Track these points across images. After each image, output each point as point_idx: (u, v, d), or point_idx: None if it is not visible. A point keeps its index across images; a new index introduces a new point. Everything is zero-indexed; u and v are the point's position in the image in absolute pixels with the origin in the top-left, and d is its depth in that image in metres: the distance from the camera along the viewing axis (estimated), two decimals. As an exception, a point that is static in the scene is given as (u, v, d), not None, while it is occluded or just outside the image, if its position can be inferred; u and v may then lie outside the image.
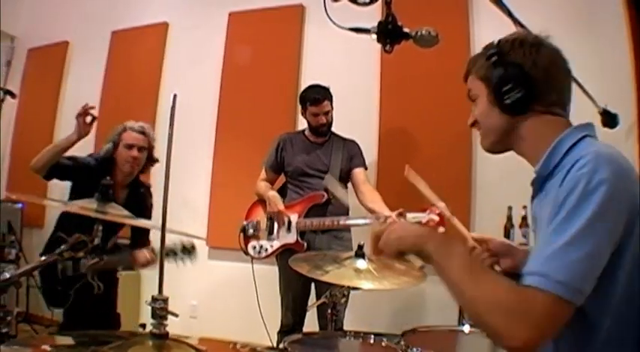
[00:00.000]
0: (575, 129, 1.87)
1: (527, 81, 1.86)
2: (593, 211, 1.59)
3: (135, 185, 4.74)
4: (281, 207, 4.88)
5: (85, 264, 4.23)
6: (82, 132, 4.33)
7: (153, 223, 3.40)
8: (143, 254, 4.50)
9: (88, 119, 4.34)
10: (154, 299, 1.76)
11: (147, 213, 4.66)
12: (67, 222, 4.53)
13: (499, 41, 1.97)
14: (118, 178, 4.54)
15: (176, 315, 1.80)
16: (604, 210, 1.60)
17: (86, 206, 2.34)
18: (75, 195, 4.53)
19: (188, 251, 4.49)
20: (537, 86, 1.87)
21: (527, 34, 2.00)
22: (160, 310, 1.75)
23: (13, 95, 5.00)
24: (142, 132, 4.64)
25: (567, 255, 1.58)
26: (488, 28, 5.26)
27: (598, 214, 1.59)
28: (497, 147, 2.03)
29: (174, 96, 1.85)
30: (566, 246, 1.58)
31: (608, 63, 4.68)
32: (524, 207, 4.85)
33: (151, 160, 4.73)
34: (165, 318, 1.76)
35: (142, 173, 4.78)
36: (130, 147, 4.55)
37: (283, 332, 4.80)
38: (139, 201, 4.64)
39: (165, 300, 1.77)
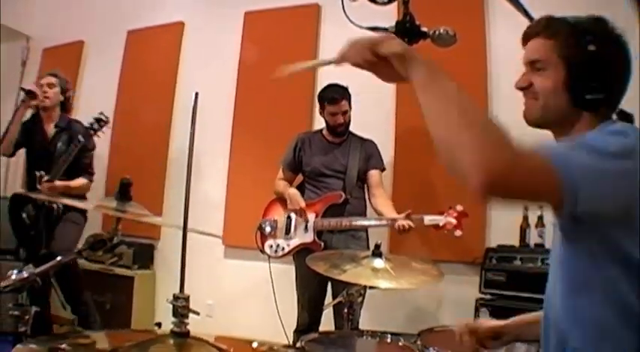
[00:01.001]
0: (602, 126, 1.82)
1: (612, 82, 1.82)
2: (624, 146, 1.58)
3: (63, 121, 5.53)
4: (302, 204, 4.89)
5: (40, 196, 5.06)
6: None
7: (172, 222, 3.42)
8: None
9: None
10: (176, 298, 1.76)
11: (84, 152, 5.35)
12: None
13: (593, 26, 1.87)
14: (45, 119, 5.47)
15: (197, 313, 1.80)
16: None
17: (105, 204, 2.35)
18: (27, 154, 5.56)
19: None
20: (617, 89, 1.84)
21: (618, 29, 1.88)
22: (182, 308, 1.75)
23: (33, 95, 5.12)
24: (52, 74, 5.51)
25: (585, 157, 1.53)
26: (503, 28, 5.24)
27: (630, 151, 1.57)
28: (544, 123, 1.94)
29: (196, 94, 1.85)
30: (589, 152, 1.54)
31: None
32: (541, 207, 4.83)
33: (65, 97, 5.60)
34: (187, 317, 1.76)
35: (66, 110, 5.63)
36: (41, 86, 5.42)
37: (299, 332, 4.78)
38: (69, 132, 5.37)
39: (187, 298, 1.77)
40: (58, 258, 2.19)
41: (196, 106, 1.85)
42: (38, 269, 2.06)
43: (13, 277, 1.98)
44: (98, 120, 5.09)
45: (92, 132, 5.07)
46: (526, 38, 1.98)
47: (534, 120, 1.95)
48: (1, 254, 6.20)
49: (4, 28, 7.81)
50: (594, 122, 1.84)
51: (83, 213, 5.45)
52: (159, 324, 5.68)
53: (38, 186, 5.07)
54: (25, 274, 2.00)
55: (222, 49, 6.81)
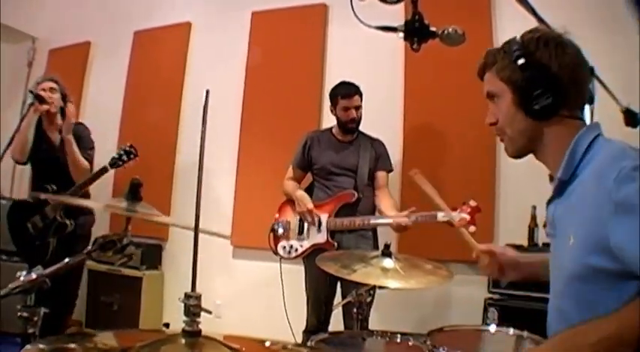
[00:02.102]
0: (587, 130, 1.87)
1: (555, 85, 1.84)
2: None
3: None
4: (310, 205, 4.87)
5: (49, 209, 4.98)
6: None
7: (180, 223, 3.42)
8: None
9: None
10: (187, 296, 1.75)
11: (86, 147, 5.25)
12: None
13: (522, 39, 1.93)
14: (47, 127, 5.23)
15: (209, 312, 1.79)
16: None
17: (115, 204, 2.34)
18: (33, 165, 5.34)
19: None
20: (565, 90, 1.85)
21: (550, 32, 1.96)
22: (194, 307, 1.74)
23: (42, 101, 5.01)
24: (51, 79, 5.31)
25: None
26: (511, 26, 5.22)
27: None
28: (523, 151, 2.01)
29: (207, 92, 1.85)
30: None
31: (631, 60, 4.63)
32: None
33: (64, 103, 5.27)
34: (199, 315, 1.76)
35: (64, 117, 5.24)
36: (43, 91, 5.14)
37: (309, 332, 4.79)
38: (76, 139, 5.12)
39: (199, 297, 1.76)
40: (66, 260, 2.18)
41: (207, 104, 1.84)
42: (47, 271, 2.05)
43: (22, 278, 1.97)
44: (128, 153, 4.95)
45: (119, 163, 4.91)
46: (480, 75, 2.07)
47: (513, 154, 2.04)
48: (3, 255, 6.22)
49: (9, 30, 7.82)
50: (565, 129, 1.89)
51: (90, 228, 5.37)
52: (167, 325, 5.71)
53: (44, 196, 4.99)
54: (33, 275, 1.99)
55: (230, 50, 6.81)
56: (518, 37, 1.96)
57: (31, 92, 5.08)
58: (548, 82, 1.83)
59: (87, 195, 5.28)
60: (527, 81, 1.85)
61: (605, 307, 1.66)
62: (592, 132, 1.86)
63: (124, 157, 4.93)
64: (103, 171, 4.93)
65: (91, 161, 5.24)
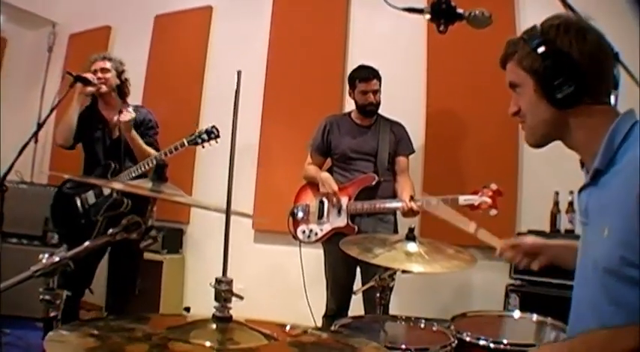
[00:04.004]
0: (624, 118, 1.83)
1: (577, 73, 1.81)
2: None
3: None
4: (335, 187, 4.86)
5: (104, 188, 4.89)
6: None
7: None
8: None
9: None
10: (219, 281, 1.75)
11: (148, 130, 5.20)
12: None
13: (542, 27, 1.91)
14: (102, 107, 5.16)
15: (241, 298, 1.79)
16: None
17: (141, 185, 2.34)
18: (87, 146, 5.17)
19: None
20: (587, 77, 1.82)
21: (571, 18, 1.94)
22: (225, 292, 1.74)
23: (87, 82, 4.91)
24: (104, 58, 5.17)
25: None
26: (533, 9, 5.21)
27: None
28: (543, 141, 1.99)
29: (239, 73, 1.83)
30: None
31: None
32: (571, 193, 4.80)
33: (121, 80, 5.22)
34: (230, 301, 1.75)
35: (123, 97, 5.27)
36: (94, 72, 5.03)
37: (328, 317, 4.81)
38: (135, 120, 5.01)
39: (230, 282, 1.75)
40: (87, 243, 2.16)
41: (239, 86, 1.83)
42: (70, 253, 2.04)
43: (44, 261, 1.96)
44: (209, 133, 4.87)
45: (198, 141, 4.85)
46: (502, 66, 2.05)
47: (533, 144, 2.02)
48: (28, 239, 6.23)
49: (29, 15, 7.84)
50: (591, 116, 1.87)
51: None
52: (188, 309, 5.71)
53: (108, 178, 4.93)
54: (56, 258, 1.98)
55: (252, 33, 6.80)
56: (538, 25, 1.93)
57: (70, 73, 4.94)
58: (569, 70, 1.81)
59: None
60: (548, 69, 1.83)
61: (633, 304, 1.65)
62: (629, 119, 1.82)
63: (204, 136, 4.87)
64: (180, 146, 4.85)
65: (154, 143, 5.19)
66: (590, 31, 1.86)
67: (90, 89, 4.94)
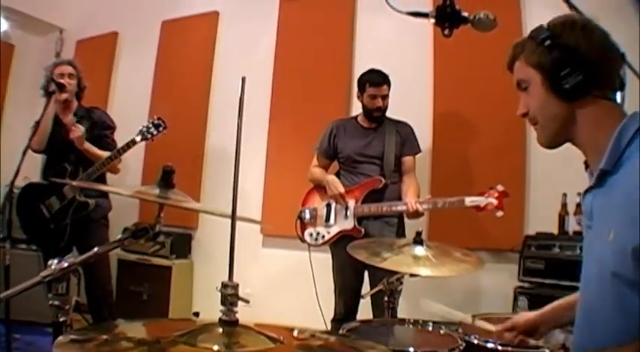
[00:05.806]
0: (631, 120, 1.81)
1: (584, 63, 1.80)
2: None
3: (81, 110, 5.34)
4: (341, 189, 4.85)
5: (67, 189, 5.00)
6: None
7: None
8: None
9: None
10: (225, 285, 1.75)
11: (104, 131, 5.37)
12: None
13: (548, 25, 1.90)
14: (60, 111, 5.24)
15: (247, 301, 1.79)
16: None
17: (147, 192, 2.34)
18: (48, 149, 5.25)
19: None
20: (595, 69, 1.81)
21: (576, 17, 1.95)
22: (231, 296, 1.74)
23: (63, 89, 5.05)
24: (69, 63, 5.34)
25: None
26: (539, 12, 5.19)
27: None
28: (555, 139, 1.96)
29: (243, 79, 1.84)
30: None
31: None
32: (579, 194, 4.77)
33: (80, 87, 5.37)
34: (236, 305, 1.75)
35: (79, 100, 5.39)
36: (61, 76, 5.18)
37: (337, 320, 4.80)
38: (90, 121, 5.25)
39: (236, 286, 1.76)
40: (96, 249, 2.17)
41: (243, 92, 1.84)
42: (79, 259, 2.05)
43: (54, 267, 1.97)
44: (157, 126, 5.00)
45: (147, 136, 4.95)
46: (510, 68, 2.03)
47: (545, 143, 2.00)
48: (14, 243, 6.25)
49: (37, 21, 7.87)
50: (600, 111, 1.86)
51: (107, 214, 5.38)
52: (197, 314, 5.72)
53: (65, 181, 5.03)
54: (65, 264, 1.99)
55: (258, 39, 6.81)
56: (544, 24, 1.93)
57: (53, 80, 5.08)
58: (576, 60, 1.80)
59: (103, 179, 5.30)
60: (555, 61, 1.82)
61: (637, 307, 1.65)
62: (635, 122, 1.81)
63: (152, 130, 4.98)
64: (131, 143, 4.95)
65: (111, 144, 5.28)
66: (597, 29, 1.86)
67: (64, 95, 5.11)
